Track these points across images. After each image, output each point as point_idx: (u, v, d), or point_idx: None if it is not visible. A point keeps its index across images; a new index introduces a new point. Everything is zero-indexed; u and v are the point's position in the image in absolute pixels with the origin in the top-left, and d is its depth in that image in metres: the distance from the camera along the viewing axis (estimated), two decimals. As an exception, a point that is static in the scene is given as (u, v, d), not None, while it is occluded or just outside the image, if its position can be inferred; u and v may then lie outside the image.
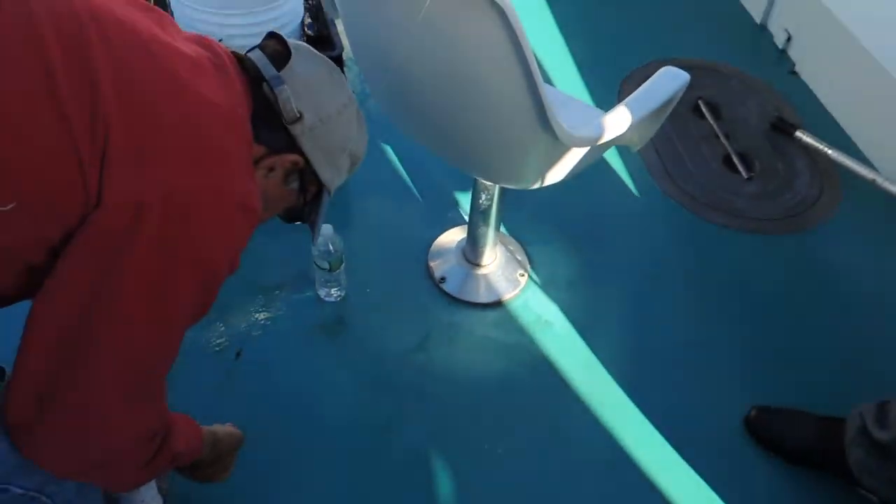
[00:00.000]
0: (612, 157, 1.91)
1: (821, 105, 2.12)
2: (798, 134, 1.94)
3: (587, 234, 1.71)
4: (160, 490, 1.09)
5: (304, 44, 0.88)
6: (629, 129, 1.09)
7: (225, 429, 1.05)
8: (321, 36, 1.90)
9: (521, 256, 1.63)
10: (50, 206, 0.65)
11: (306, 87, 0.83)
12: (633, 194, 1.82)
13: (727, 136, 1.97)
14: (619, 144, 1.23)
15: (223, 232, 0.75)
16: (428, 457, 1.29)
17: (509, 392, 1.40)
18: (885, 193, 1.78)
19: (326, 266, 1.45)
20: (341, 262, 1.47)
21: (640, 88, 1.14)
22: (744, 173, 1.88)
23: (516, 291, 1.56)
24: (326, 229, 1.41)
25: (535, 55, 0.90)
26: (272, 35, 0.87)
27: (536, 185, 1.21)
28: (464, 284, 1.56)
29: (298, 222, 0.96)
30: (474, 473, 1.28)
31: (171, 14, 1.77)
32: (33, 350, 0.69)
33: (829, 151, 1.88)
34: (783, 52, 2.30)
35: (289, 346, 1.44)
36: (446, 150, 1.24)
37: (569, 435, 1.35)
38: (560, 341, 1.49)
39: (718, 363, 1.47)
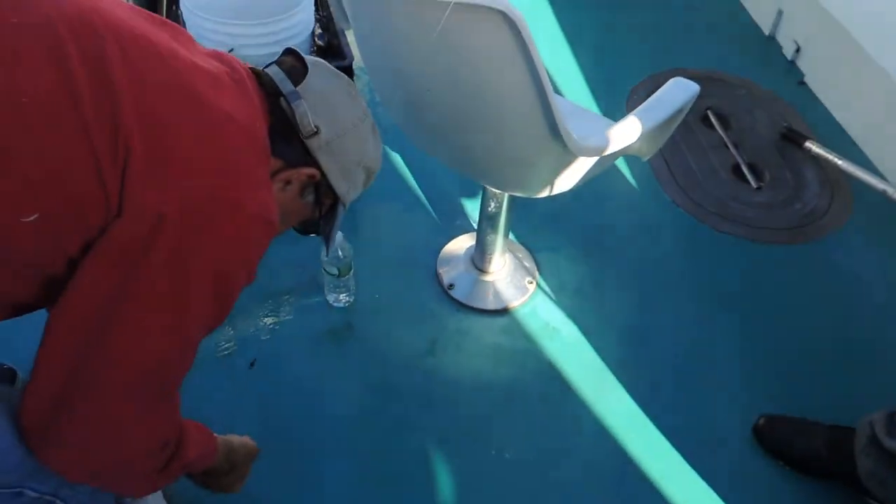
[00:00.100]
0: (620, 165, 1.91)
1: (830, 116, 2.12)
2: (807, 144, 1.94)
3: (596, 241, 1.72)
4: (164, 495, 1.10)
5: (321, 60, 0.90)
6: (639, 139, 1.10)
7: (241, 439, 1.06)
8: (331, 46, 1.92)
9: (529, 263, 1.64)
10: (71, 217, 0.67)
11: (323, 101, 0.84)
12: (641, 203, 1.83)
13: (736, 146, 1.98)
14: (629, 154, 1.24)
15: (240, 244, 0.76)
16: (435, 462, 1.29)
17: (517, 398, 1.40)
18: None
19: (336, 272, 1.46)
20: (350, 268, 1.49)
21: (650, 99, 1.15)
22: (753, 183, 1.88)
23: (524, 298, 1.57)
24: (336, 235, 1.42)
25: (544, 66, 0.91)
26: (289, 51, 0.89)
27: (545, 194, 1.21)
28: (472, 291, 1.57)
29: (313, 234, 0.97)
30: (481, 479, 1.28)
31: (184, 24, 1.79)
32: (50, 356, 0.70)
33: (839, 162, 1.88)
34: (792, 63, 2.30)
35: (297, 350, 1.45)
36: (456, 158, 1.25)
37: (576, 442, 1.35)
38: (568, 348, 1.49)
39: (727, 372, 1.47)
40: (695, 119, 2.07)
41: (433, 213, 1.75)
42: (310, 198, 0.90)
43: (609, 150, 1.06)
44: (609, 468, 1.31)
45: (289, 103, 0.82)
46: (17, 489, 0.73)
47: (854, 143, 2.03)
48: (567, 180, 1.17)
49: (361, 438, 1.32)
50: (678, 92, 1.14)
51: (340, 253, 1.44)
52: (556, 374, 1.45)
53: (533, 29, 0.86)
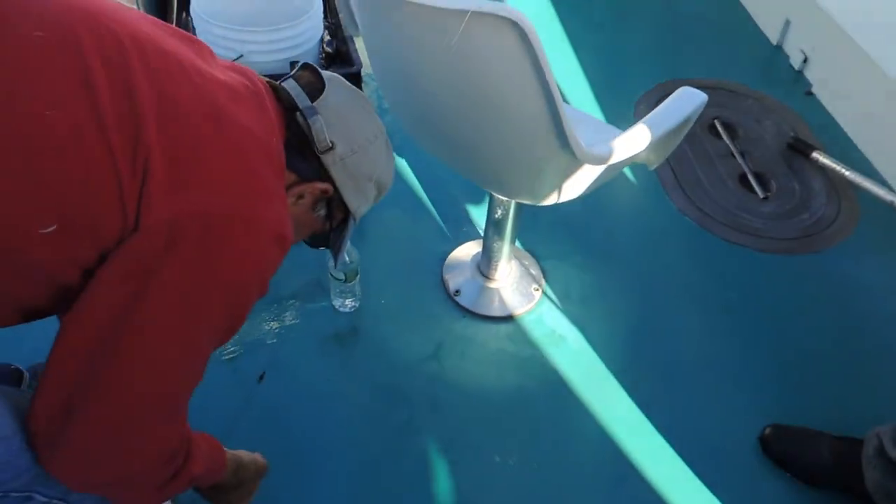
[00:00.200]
0: (627, 174, 1.92)
1: (837, 126, 2.12)
2: (815, 154, 1.94)
3: (602, 249, 1.72)
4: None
5: (337, 75, 0.90)
6: (647, 148, 1.10)
7: (251, 456, 1.06)
8: (340, 53, 1.93)
9: (535, 271, 1.64)
10: (89, 229, 0.67)
11: (339, 117, 0.85)
12: (648, 211, 1.83)
13: (743, 156, 1.98)
14: (636, 163, 1.24)
15: (255, 258, 0.76)
16: (439, 467, 1.29)
17: (521, 405, 1.40)
18: (903, 215, 1.77)
19: (342, 277, 1.46)
20: (357, 274, 1.49)
21: (658, 108, 1.15)
22: (760, 193, 1.88)
23: (530, 305, 1.57)
24: (345, 249, 1.43)
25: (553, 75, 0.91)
26: (306, 66, 0.89)
27: (552, 202, 1.22)
28: (478, 297, 1.57)
29: (323, 248, 0.98)
30: (485, 485, 1.28)
31: (193, 31, 1.81)
32: (60, 364, 0.70)
33: (847, 172, 1.88)
34: (799, 73, 2.30)
35: (303, 354, 1.45)
36: (463, 165, 1.26)
37: (580, 449, 1.35)
38: (573, 356, 1.49)
39: (733, 381, 1.46)
40: (702, 128, 2.07)
41: (439, 220, 1.75)
42: (322, 212, 0.90)
43: (617, 159, 1.07)
44: (613, 476, 1.31)
45: (305, 118, 0.83)
46: (26, 493, 0.73)
47: (861, 154, 2.02)
48: (574, 188, 1.18)
49: (366, 443, 1.32)
50: (686, 101, 1.15)
51: (347, 258, 1.44)
52: (561, 381, 1.44)
53: (540, 38, 0.86)
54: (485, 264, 1.59)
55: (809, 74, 2.28)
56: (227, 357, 1.43)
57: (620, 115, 2.08)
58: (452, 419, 1.37)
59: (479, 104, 0.99)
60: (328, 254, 1.44)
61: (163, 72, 0.71)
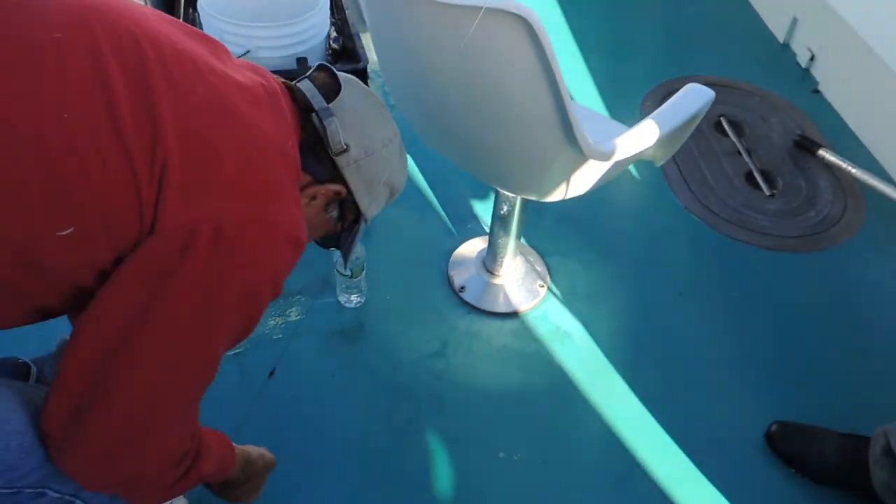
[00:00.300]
0: (633, 171, 1.91)
1: (844, 124, 2.11)
2: (821, 152, 1.94)
3: (607, 246, 1.72)
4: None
5: (354, 77, 0.90)
6: (654, 144, 1.10)
7: (258, 451, 1.06)
8: (346, 49, 1.94)
9: (540, 267, 1.64)
10: (106, 232, 0.67)
11: (354, 119, 0.85)
12: (653, 209, 1.83)
13: (749, 153, 1.97)
14: (643, 159, 1.24)
15: (270, 261, 0.76)
16: (444, 463, 1.30)
17: (527, 401, 1.41)
18: (910, 213, 1.77)
19: (348, 273, 1.47)
20: (362, 269, 1.49)
21: (666, 104, 1.15)
22: (766, 190, 1.87)
23: (535, 302, 1.57)
24: (355, 249, 1.43)
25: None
26: (322, 67, 0.89)
27: (558, 198, 1.22)
28: (483, 294, 1.57)
29: (333, 248, 0.98)
30: (490, 480, 1.28)
31: (200, 27, 1.81)
32: (75, 365, 0.70)
33: (853, 170, 1.87)
34: (806, 71, 2.30)
35: (308, 350, 1.45)
36: (469, 160, 1.26)
37: (585, 445, 1.35)
38: (578, 352, 1.49)
39: (739, 378, 1.46)
40: (708, 126, 2.07)
41: (445, 216, 1.76)
42: (333, 213, 0.91)
43: (623, 155, 1.07)
44: (618, 472, 1.31)
45: (320, 120, 0.83)
46: (40, 489, 0.74)
47: (868, 152, 2.02)
48: (580, 184, 1.18)
49: (371, 438, 1.32)
50: (694, 98, 1.15)
51: (353, 254, 1.45)
52: (566, 378, 1.45)
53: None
54: (490, 260, 1.59)
55: (816, 72, 2.27)
56: (233, 353, 1.43)
57: (626, 112, 2.08)
58: (457, 415, 1.37)
59: (487, 99, 0.99)
60: (334, 250, 1.45)
61: (179, 74, 0.71)
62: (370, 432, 1.33)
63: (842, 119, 2.12)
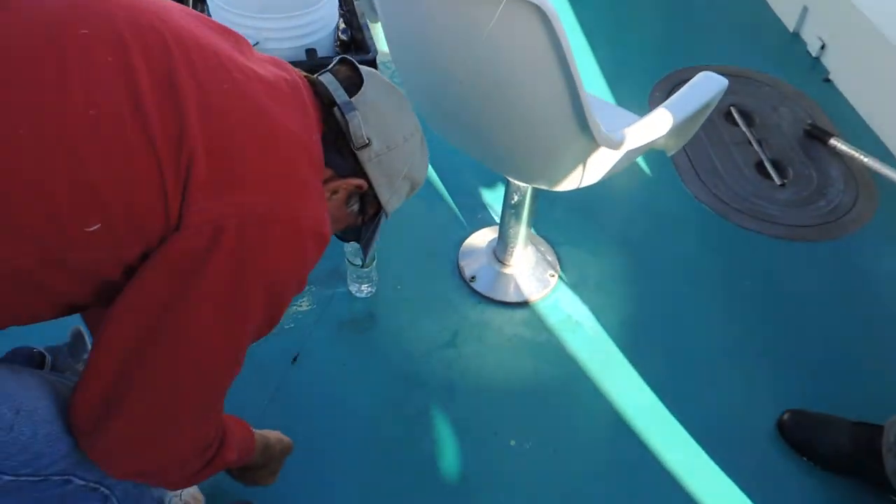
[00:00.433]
0: (643, 161, 1.91)
1: (855, 113, 2.10)
2: (832, 141, 1.93)
3: (618, 236, 1.72)
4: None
5: (375, 71, 0.90)
6: (666, 132, 1.10)
7: (277, 435, 1.07)
8: (355, 40, 1.93)
9: (551, 257, 1.64)
10: (132, 228, 0.68)
11: (376, 114, 0.85)
12: (664, 198, 1.82)
13: (760, 143, 1.96)
14: (654, 148, 1.24)
15: (294, 256, 0.76)
16: (455, 452, 1.30)
17: (537, 390, 1.41)
18: (922, 202, 1.76)
19: (359, 263, 1.47)
20: (374, 259, 1.50)
21: (679, 92, 1.15)
22: (776, 180, 1.87)
23: (546, 291, 1.57)
24: (375, 243, 1.43)
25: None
26: (344, 60, 0.89)
27: (570, 187, 1.22)
28: (494, 283, 1.57)
29: (353, 241, 0.98)
30: (500, 469, 1.29)
31: (209, 17, 1.81)
32: (103, 358, 0.71)
33: (865, 159, 1.86)
34: (817, 60, 2.28)
35: (320, 340, 1.46)
36: (481, 149, 1.26)
37: (596, 434, 1.35)
38: (589, 342, 1.49)
39: (751, 367, 1.46)
40: (718, 115, 2.06)
41: (455, 206, 1.76)
42: (354, 207, 0.91)
43: (636, 144, 1.06)
44: (629, 461, 1.31)
45: (343, 114, 0.82)
46: (66, 477, 0.75)
47: (879, 140, 2.01)
48: (592, 174, 1.18)
49: (381, 426, 1.33)
50: (707, 86, 1.14)
51: (372, 248, 1.45)
52: (577, 367, 1.45)
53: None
54: (501, 250, 1.59)
55: (827, 61, 2.26)
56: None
57: (635, 102, 2.07)
58: (468, 404, 1.38)
59: (500, 87, 0.99)
60: (346, 243, 1.45)
61: (204, 69, 0.71)
62: (382, 421, 1.34)
63: (853, 108, 2.11)
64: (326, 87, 0.84)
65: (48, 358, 1.28)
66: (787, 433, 1.33)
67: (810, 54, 2.31)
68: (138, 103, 0.66)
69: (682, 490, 1.27)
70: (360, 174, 0.86)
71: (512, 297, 1.56)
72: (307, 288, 1.55)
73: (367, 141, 0.84)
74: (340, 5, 1.99)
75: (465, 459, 1.30)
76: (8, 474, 0.70)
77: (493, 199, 1.77)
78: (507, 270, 1.59)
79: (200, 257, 0.69)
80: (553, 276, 1.60)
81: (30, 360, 1.25)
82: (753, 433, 1.35)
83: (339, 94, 0.83)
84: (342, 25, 1.97)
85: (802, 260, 1.69)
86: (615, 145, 1.05)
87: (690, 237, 1.74)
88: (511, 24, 0.87)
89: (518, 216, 1.48)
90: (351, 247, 1.46)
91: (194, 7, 2.02)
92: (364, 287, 1.54)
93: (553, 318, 1.53)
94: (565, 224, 1.72)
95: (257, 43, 1.75)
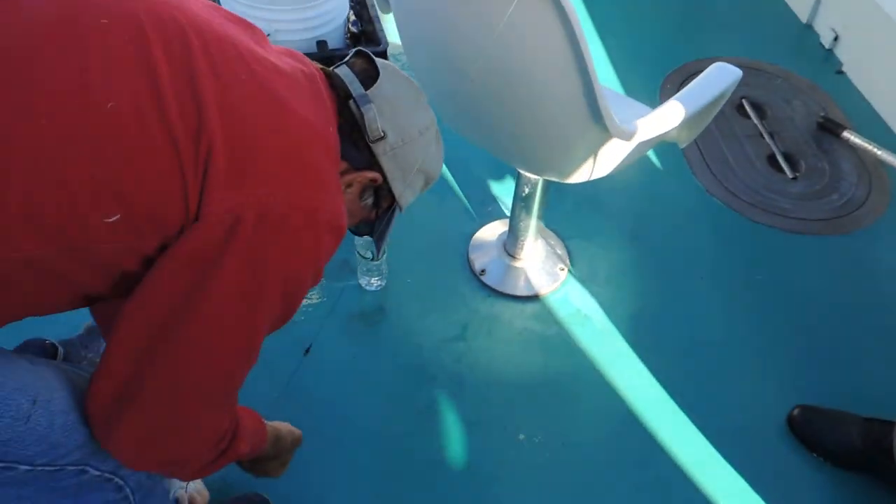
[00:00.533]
0: (654, 154, 1.90)
1: (869, 105, 2.08)
2: (846, 134, 1.91)
3: (628, 230, 1.71)
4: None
5: (391, 63, 0.89)
6: (680, 124, 1.09)
7: (287, 427, 1.08)
8: (366, 32, 1.93)
9: (561, 251, 1.64)
10: (152, 219, 0.68)
11: (391, 107, 0.84)
12: (675, 192, 1.81)
13: (772, 136, 1.95)
14: (667, 140, 1.23)
15: (312, 248, 0.76)
16: (464, 445, 1.31)
17: (546, 383, 1.41)
18: (936, 196, 1.74)
19: (370, 255, 1.47)
20: (384, 252, 1.50)
21: (692, 83, 1.14)
22: (788, 173, 1.85)
23: (556, 285, 1.57)
24: (388, 237, 1.43)
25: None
26: (360, 53, 0.88)
27: (582, 179, 1.21)
28: (504, 277, 1.57)
29: (367, 236, 0.98)
30: (509, 462, 1.29)
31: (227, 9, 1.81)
32: (121, 348, 0.71)
33: (879, 152, 1.85)
34: (830, 52, 2.26)
35: (329, 332, 1.46)
36: (492, 141, 1.25)
37: (606, 428, 1.35)
38: (599, 335, 1.49)
39: (761, 361, 1.46)
40: (730, 108, 2.04)
41: (465, 200, 1.75)
42: (368, 200, 0.90)
43: (649, 135, 1.06)
44: (638, 455, 1.31)
45: (358, 107, 0.82)
46: (81, 467, 0.75)
47: (893, 133, 1.98)
48: (604, 165, 1.17)
49: (392, 420, 1.33)
50: (720, 76, 1.13)
51: (385, 242, 1.45)
52: (587, 361, 1.45)
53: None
54: (511, 243, 1.58)
55: (840, 53, 2.23)
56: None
57: (646, 95, 2.05)
58: (477, 398, 1.38)
59: (514, 77, 0.98)
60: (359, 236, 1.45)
61: (223, 61, 0.71)
62: (391, 413, 1.34)
63: (866, 100, 2.09)
64: (342, 80, 0.84)
65: (60, 350, 1.29)
66: (797, 429, 1.33)
67: (823, 46, 2.28)
68: (158, 94, 0.66)
69: (691, 484, 1.27)
70: (375, 167, 0.86)
71: (522, 291, 1.56)
72: (317, 281, 1.55)
73: (382, 134, 0.83)
74: (350, -3, 1.98)
75: (475, 452, 1.30)
76: (25, 464, 0.70)
77: (504, 191, 1.77)
78: (516, 264, 1.59)
79: (218, 248, 0.69)
80: (563, 269, 1.60)
81: (42, 351, 1.27)
82: (763, 428, 1.35)
83: (354, 86, 0.83)
84: (353, 17, 1.96)
85: (814, 254, 1.68)
86: (628, 136, 1.04)
87: (701, 231, 1.73)
88: (526, 14, 0.86)
89: (528, 209, 1.48)
90: (362, 240, 1.46)
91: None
92: (374, 280, 1.54)
93: (563, 312, 1.53)
94: (575, 217, 1.71)
95: (269, 34, 1.75)
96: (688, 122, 1.13)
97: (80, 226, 0.65)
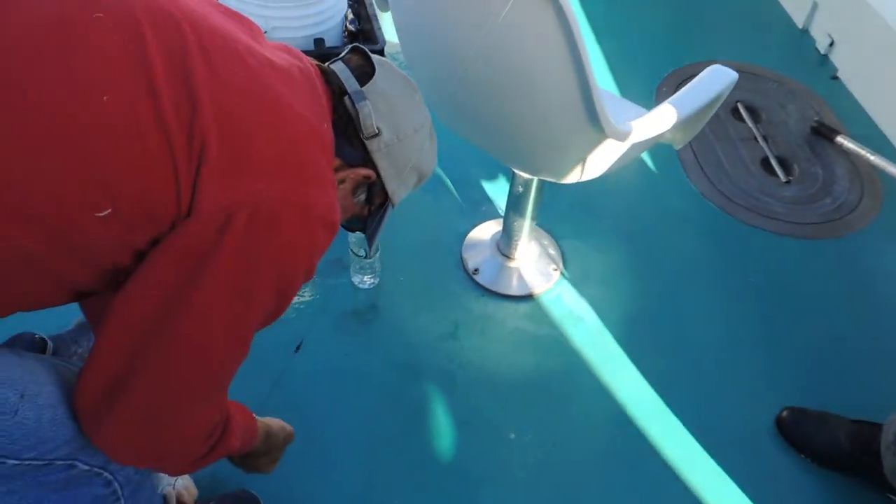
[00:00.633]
0: (648, 156, 1.90)
1: (863, 111, 2.09)
2: (839, 139, 1.92)
3: (621, 231, 1.71)
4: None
5: (387, 60, 0.89)
6: (676, 125, 1.09)
7: (279, 423, 1.07)
8: (364, 31, 1.92)
9: (554, 251, 1.64)
10: (143, 213, 0.67)
11: (386, 103, 0.84)
12: (668, 194, 1.82)
13: (766, 139, 1.96)
14: (662, 142, 1.23)
15: (304, 244, 0.76)
16: (455, 444, 1.31)
17: (538, 383, 1.41)
18: (928, 202, 1.75)
19: (363, 253, 1.47)
20: (377, 250, 1.50)
21: (688, 85, 1.14)
22: (782, 177, 1.86)
23: (549, 285, 1.57)
24: (380, 234, 1.43)
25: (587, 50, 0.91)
26: (356, 49, 0.88)
27: (576, 179, 1.21)
28: (497, 276, 1.57)
29: (358, 232, 0.98)
30: (500, 462, 1.29)
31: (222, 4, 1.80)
32: (110, 342, 0.71)
33: (871, 157, 1.86)
34: (825, 57, 2.27)
35: (322, 330, 1.46)
36: (488, 140, 1.25)
37: (597, 428, 1.35)
38: (591, 336, 1.49)
39: (751, 363, 1.46)
40: (725, 111, 2.05)
41: (459, 199, 1.75)
42: (361, 196, 0.90)
43: (646, 135, 1.06)
44: (628, 455, 1.32)
45: (353, 103, 0.82)
46: (70, 462, 0.75)
47: (886, 139, 2.00)
48: (598, 166, 1.17)
49: (383, 419, 1.33)
50: (717, 79, 1.14)
51: (377, 239, 1.45)
52: (578, 361, 1.45)
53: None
54: (504, 243, 1.59)
55: (835, 58, 2.24)
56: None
57: (642, 97, 2.06)
58: (469, 397, 1.38)
59: (511, 77, 0.98)
60: (351, 233, 1.45)
61: (218, 56, 0.71)
62: (382, 412, 1.34)
63: (860, 106, 2.10)
64: (338, 76, 0.83)
65: (50, 344, 1.28)
66: (785, 430, 1.33)
67: (819, 51, 2.29)
68: (152, 89, 0.66)
69: (679, 484, 1.28)
70: (369, 164, 0.86)
71: (515, 291, 1.56)
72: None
73: (376, 131, 0.83)
74: (348, -5, 1.97)
75: (465, 451, 1.30)
76: (12, 458, 0.70)
77: (498, 191, 1.77)
78: (510, 263, 1.59)
79: (211, 243, 0.68)
80: (556, 270, 1.60)
81: (31, 345, 1.26)
82: (752, 430, 1.36)
83: (350, 82, 0.83)
84: (351, 16, 1.95)
85: (806, 257, 1.69)
86: (624, 137, 1.04)
87: (695, 233, 1.73)
88: (525, 14, 0.86)
89: (522, 209, 1.48)
90: (355, 237, 1.46)
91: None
92: (367, 278, 1.54)
93: (555, 312, 1.53)
94: (569, 218, 1.72)
95: (266, 31, 1.74)
96: (683, 124, 1.13)
97: (70, 219, 0.65)
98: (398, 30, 1.19)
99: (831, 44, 2.25)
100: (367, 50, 0.87)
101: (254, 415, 0.97)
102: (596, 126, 0.99)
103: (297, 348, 1.41)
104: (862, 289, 1.62)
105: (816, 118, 2.01)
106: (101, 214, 0.65)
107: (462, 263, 1.60)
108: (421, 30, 1.09)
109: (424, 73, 1.19)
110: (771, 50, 2.32)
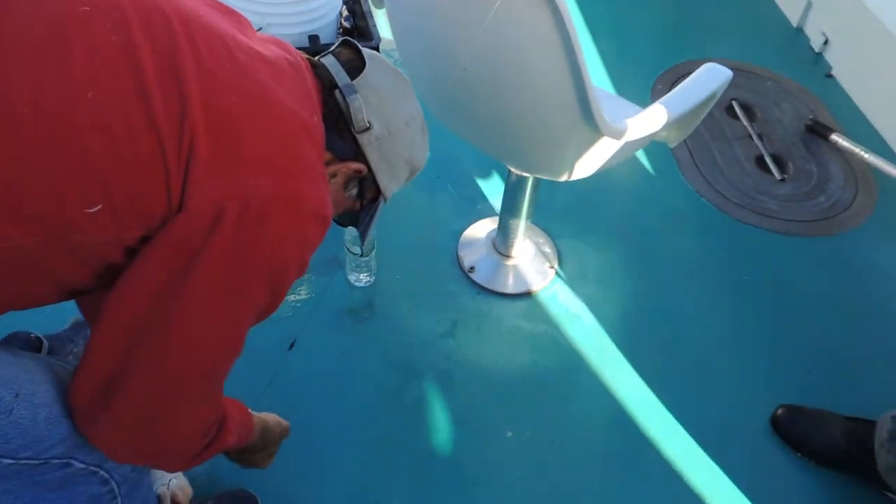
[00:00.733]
0: (643, 154, 1.91)
1: (857, 109, 2.10)
2: (833, 137, 1.93)
3: (617, 229, 1.72)
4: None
5: (378, 54, 0.89)
6: (670, 123, 1.09)
7: (275, 418, 1.07)
8: (358, 27, 1.92)
9: (550, 249, 1.64)
10: (134, 209, 0.67)
11: (377, 97, 0.84)
12: (664, 192, 1.82)
13: (761, 137, 1.96)
14: (657, 140, 1.23)
15: (296, 239, 0.76)
16: (452, 442, 1.31)
17: (535, 381, 1.41)
18: (921, 199, 1.76)
19: (358, 251, 1.47)
20: (373, 249, 1.50)
21: (683, 83, 1.14)
22: (777, 175, 1.87)
23: (545, 283, 1.57)
24: (373, 228, 1.43)
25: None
26: (346, 42, 0.88)
27: (571, 177, 1.21)
28: (493, 274, 1.57)
29: (351, 226, 0.98)
30: (498, 459, 1.29)
31: None
32: (104, 339, 0.71)
33: (866, 155, 1.86)
34: (819, 56, 2.28)
35: (317, 328, 1.46)
36: (484, 138, 1.25)
37: (593, 426, 1.36)
38: (587, 334, 1.49)
39: (747, 361, 1.47)
40: (719, 109, 2.06)
41: (455, 197, 1.75)
42: (353, 191, 0.90)
43: (640, 134, 1.06)
44: (625, 452, 1.32)
45: (343, 97, 0.82)
46: (65, 460, 0.75)
47: (880, 137, 2.01)
48: (593, 163, 1.17)
49: (380, 417, 1.33)
50: (711, 77, 1.14)
51: (370, 233, 1.45)
52: (575, 359, 1.45)
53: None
54: (500, 241, 1.59)
55: (830, 56, 2.25)
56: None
57: (637, 95, 2.06)
58: (466, 395, 1.38)
59: (506, 75, 0.98)
60: (345, 229, 1.45)
61: (207, 50, 0.70)
62: (378, 410, 1.34)
63: (854, 104, 2.11)
64: (328, 69, 0.83)
65: (45, 343, 1.28)
66: (780, 428, 1.34)
67: (813, 49, 2.30)
68: (141, 83, 0.66)
69: (676, 482, 1.28)
70: (360, 158, 0.85)
71: (511, 289, 1.56)
72: (306, 276, 1.55)
73: (367, 124, 0.83)
74: (343, -8, 1.97)
75: (462, 449, 1.30)
76: (8, 458, 0.70)
77: (494, 189, 1.77)
78: (506, 262, 1.59)
79: (202, 238, 0.68)
80: (552, 268, 1.60)
81: (27, 344, 1.25)
82: (748, 427, 1.36)
83: (340, 76, 0.82)
84: (345, 12, 1.95)
85: (801, 255, 1.69)
86: (619, 135, 1.04)
87: (690, 231, 1.74)
88: (518, 10, 0.86)
89: (518, 207, 1.48)
90: (350, 235, 1.46)
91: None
92: (363, 276, 1.54)
93: (551, 311, 1.53)
94: (565, 216, 1.72)
95: (260, 28, 1.74)
96: (678, 122, 1.13)
97: (60, 215, 0.65)
98: (393, 27, 1.19)
99: (825, 42, 2.26)
100: (357, 44, 0.87)
101: (250, 410, 0.97)
102: (591, 124, 0.99)
103: (291, 346, 1.41)
104: (856, 286, 1.63)
105: (811, 116, 2.02)
106: (92, 210, 0.65)
107: (458, 261, 1.60)
108: (416, 27, 1.09)
109: (420, 71, 1.19)
110: (765, 48, 2.33)
